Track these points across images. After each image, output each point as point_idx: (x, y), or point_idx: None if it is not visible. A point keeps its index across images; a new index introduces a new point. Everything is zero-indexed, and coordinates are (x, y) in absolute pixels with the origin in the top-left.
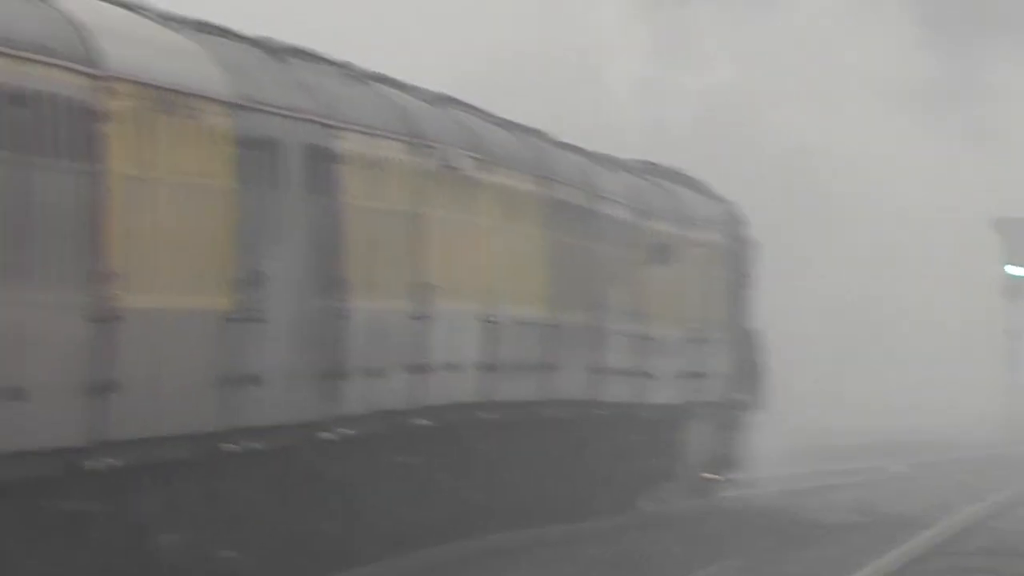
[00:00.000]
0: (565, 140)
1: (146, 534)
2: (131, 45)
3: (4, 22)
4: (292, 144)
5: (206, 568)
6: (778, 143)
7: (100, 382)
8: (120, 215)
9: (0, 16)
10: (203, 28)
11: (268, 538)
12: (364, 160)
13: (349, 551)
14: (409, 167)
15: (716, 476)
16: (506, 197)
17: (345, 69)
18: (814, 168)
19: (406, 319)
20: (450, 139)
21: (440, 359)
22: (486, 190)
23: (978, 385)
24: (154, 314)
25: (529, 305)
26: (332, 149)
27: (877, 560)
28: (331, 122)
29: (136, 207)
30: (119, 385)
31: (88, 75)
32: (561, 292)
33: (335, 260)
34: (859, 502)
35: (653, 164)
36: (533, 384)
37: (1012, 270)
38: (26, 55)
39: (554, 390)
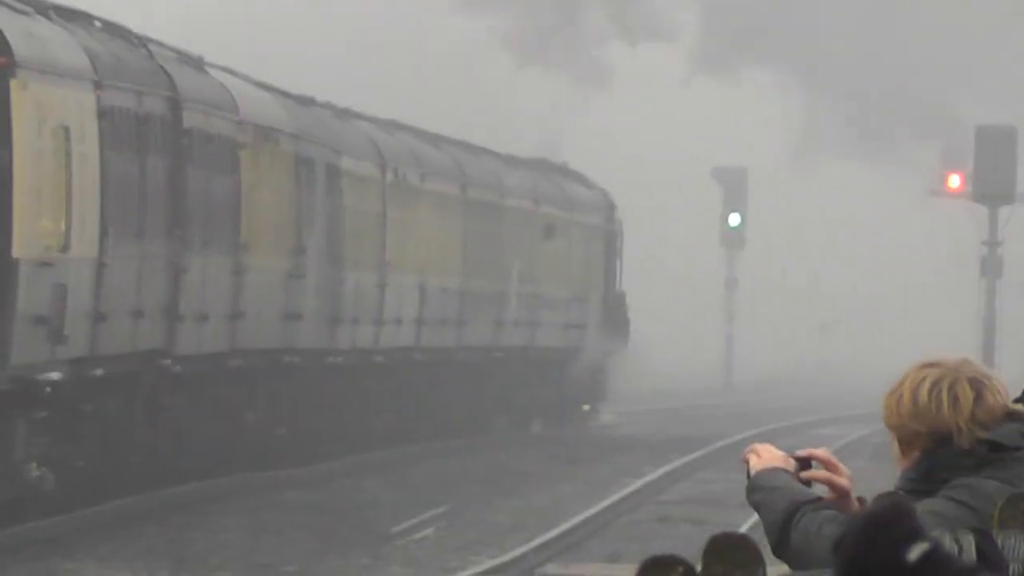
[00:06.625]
0: (475, 143)
1: (239, 413)
2: (247, 99)
3: (200, 90)
4: (319, 162)
5: (269, 441)
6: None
7: (235, 311)
8: (245, 208)
9: (198, 86)
10: (265, 85)
11: (301, 424)
12: (355, 175)
13: (336, 443)
14: (378, 180)
15: (588, 408)
16: (437, 200)
17: (338, 109)
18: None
19: (373, 286)
20: (401, 159)
21: (391, 315)
22: (424, 195)
23: (699, 335)
24: (259, 269)
25: (450, 277)
26: (338, 166)
27: (587, 511)
28: (338, 148)
29: (252, 202)
30: (243, 314)
31: (234, 121)
32: (473, 267)
33: (339, 242)
34: (567, 450)
35: (545, 160)
36: (451, 335)
37: (732, 220)
38: (212, 111)
39: (466, 339)
